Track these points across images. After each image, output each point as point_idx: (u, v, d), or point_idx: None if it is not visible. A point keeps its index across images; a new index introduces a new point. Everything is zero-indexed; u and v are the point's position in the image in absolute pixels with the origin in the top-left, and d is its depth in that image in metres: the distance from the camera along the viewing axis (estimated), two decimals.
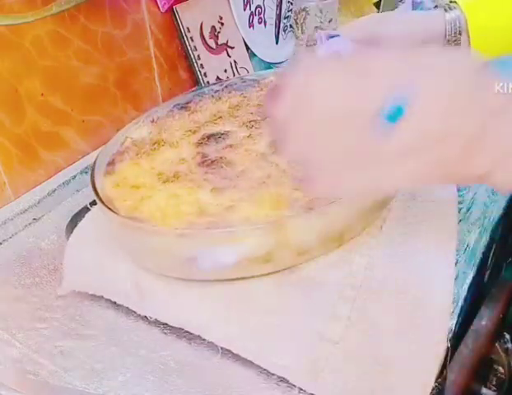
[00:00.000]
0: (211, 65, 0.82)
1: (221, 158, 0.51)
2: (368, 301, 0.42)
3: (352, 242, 0.47)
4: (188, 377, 0.41)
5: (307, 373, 0.38)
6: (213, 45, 0.83)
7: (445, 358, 0.39)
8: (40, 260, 0.55)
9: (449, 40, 0.61)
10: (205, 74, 0.81)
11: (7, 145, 0.59)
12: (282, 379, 0.39)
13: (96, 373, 0.42)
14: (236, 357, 0.41)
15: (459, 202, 0.54)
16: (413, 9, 1.02)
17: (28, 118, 0.60)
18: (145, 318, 0.45)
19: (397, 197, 0.52)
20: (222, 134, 0.55)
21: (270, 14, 0.94)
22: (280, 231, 0.42)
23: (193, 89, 0.77)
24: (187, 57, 0.80)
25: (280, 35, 0.98)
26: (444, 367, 0.39)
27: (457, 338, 0.46)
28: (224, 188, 0.46)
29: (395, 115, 0.31)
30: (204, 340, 0.42)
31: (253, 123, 0.56)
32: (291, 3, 0.98)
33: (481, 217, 0.53)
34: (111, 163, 0.53)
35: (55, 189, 0.64)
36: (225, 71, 0.85)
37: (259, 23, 0.92)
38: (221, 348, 0.42)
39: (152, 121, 0.60)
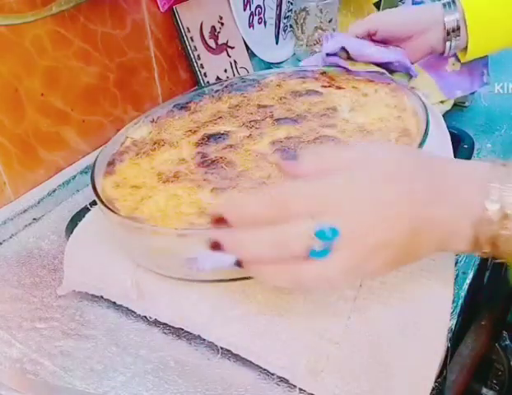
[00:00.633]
0: (211, 65, 0.82)
1: (221, 158, 0.51)
2: (368, 301, 0.42)
3: None
4: (188, 377, 0.41)
5: (307, 373, 0.38)
6: (213, 45, 0.83)
7: (445, 358, 0.39)
8: (40, 260, 0.55)
9: (448, 32, 0.62)
10: (205, 74, 0.81)
11: (7, 145, 0.59)
12: (282, 379, 0.39)
13: (96, 373, 0.42)
14: (236, 357, 0.41)
15: None
16: None
17: (28, 118, 0.60)
18: (145, 318, 0.45)
19: None
20: (222, 134, 0.55)
21: (270, 14, 0.94)
22: None
23: (193, 89, 0.77)
24: (187, 57, 0.80)
25: (280, 35, 0.98)
26: (444, 367, 0.39)
27: (457, 338, 0.46)
28: (224, 188, 0.46)
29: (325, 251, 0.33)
30: (204, 340, 0.43)
31: (253, 123, 0.56)
32: (291, 3, 0.98)
33: None
34: (111, 163, 0.53)
35: (55, 189, 0.64)
36: (225, 71, 0.85)
37: (259, 23, 0.92)
38: (221, 348, 0.42)
39: (152, 121, 0.60)
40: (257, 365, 0.40)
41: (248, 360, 0.40)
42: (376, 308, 0.36)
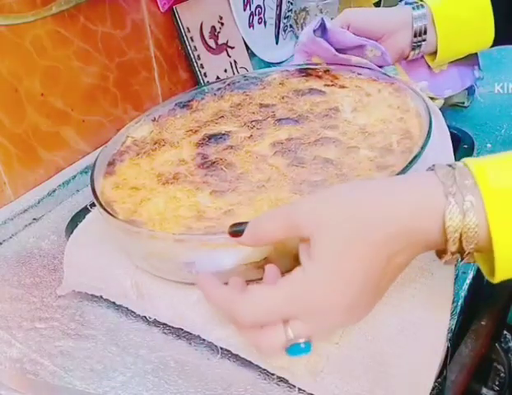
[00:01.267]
0: (211, 65, 0.82)
1: (221, 159, 0.51)
2: None
3: None
4: (188, 377, 0.41)
5: (307, 373, 0.38)
6: (213, 45, 0.83)
7: (445, 358, 0.39)
8: (40, 260, 0.55)
9: (415, 33, 0.63)
10: (205, 74, 0.81)
11: (7, 145, 0.59)
12: (282, 379, 0.39)
13: (96, 373, 0.42)
14: (236, 357, 0.41)
15: None
16: None
17: (28, 118, 0.60)
18: (145, 318, 0.45)
19: None
20: (223, 134, 0.55)
21: (270, 14, 0.94)
22: None
23: (194, 88, 0.77)
24: (187, 57, 0.80)
25: (280, 35, 0.98)
26: (444, 367, 0.39)
27: (457, 338, 0.46)
28: (223, 191, 0.46)
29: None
30: (204, 340, 0.43)
31: (254, 123, 0.56)
32: (291, 3, 0.98)
33: None
34: (111, 163, 0.53)
35: (55, 189, 0.64)
36: (225, 71, 0.85)
37: (259, 23, 0.92)
38: (221, 348, 0.42)
39: (154, 120, 0.60)
40: (257, 365, 0.40)
41: (248, 360, 0.40)
42: (376, 308, 0.36)
